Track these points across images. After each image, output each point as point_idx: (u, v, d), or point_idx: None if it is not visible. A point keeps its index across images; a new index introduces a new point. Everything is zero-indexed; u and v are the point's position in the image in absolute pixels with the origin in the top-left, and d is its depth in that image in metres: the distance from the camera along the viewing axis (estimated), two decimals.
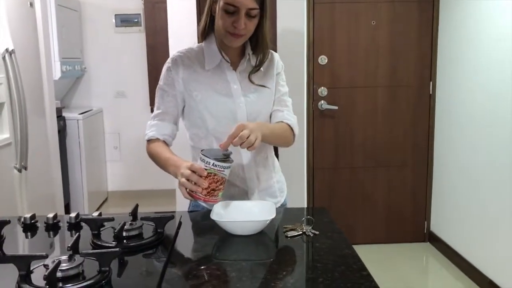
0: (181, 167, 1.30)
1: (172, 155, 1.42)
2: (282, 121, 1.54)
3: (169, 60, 1.51)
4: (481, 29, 2.85)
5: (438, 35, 3.39)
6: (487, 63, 2.79)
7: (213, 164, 1.25)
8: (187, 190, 1.27)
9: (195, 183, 1.25)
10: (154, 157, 1.48)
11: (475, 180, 2.95)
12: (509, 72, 2.57)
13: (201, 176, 1.24)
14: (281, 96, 1.58)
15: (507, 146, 2.60)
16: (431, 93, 3.47)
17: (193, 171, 1.25)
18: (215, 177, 1.26)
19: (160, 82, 1.52)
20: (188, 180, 1.25)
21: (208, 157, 1.25)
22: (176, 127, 1.55)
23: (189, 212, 1.54)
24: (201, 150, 1.30)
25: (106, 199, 4.85)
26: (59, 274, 0.93)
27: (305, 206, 3.29)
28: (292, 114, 1.58)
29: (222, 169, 1.27)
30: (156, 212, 1.36)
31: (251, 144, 1.28)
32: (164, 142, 1.51)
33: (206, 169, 1.25)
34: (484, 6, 2.81)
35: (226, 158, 1.28)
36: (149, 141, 1.51)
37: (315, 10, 3.34)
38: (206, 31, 1.49)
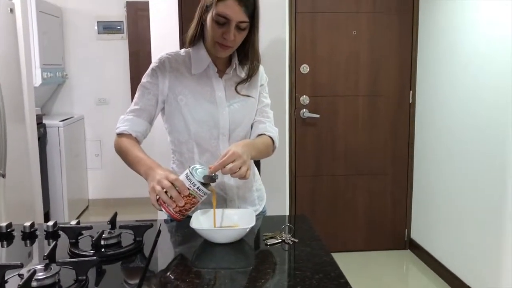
0: (156, 172, 1.28)
1: (145, 156, 1.39)
2: (264, 134, 1.55)
3: (156, 60, 1.51)
4: (459, 39, 2.91)
5: (418, 45, 3.45)
6: (465, 73, 2.85)
7: (197, 188, 1.24)
8: (158, 198, 1.25)
9: (171, 196, 1.23)
10: (123, 153, 1.44)
11: (454, 188, 2.99)
12: (487, 82, 2.63)
13: (180, 193, 1.23)
14: (264, 107, 1.60)
15: (486, 154, 2.65)
16: (410, 102, 3.52)
17: (174, 185, 1.23)
18: (194, 199, 1.26)
19: (143, 80, 1.51)
20: (164, 190, 1.24)
21: (195, 178, 1.24)
22: (150, 126, 1.53)
23: (169, 220, 1.53)
24: (190, 167, 1.27)
25: (87, 207, 4.79)
26: (34, 284, 0.92)
27: (287, 213, 3.30)
28: (273, 127, 1.60)
29: (203, 195, 1.26)
30: (136, 220, 1.36)
31: (242, 176, 1.28)
32: (136, 139, 1.48)
33: (188, 189, 1.24)
34: (462, 17, 2.88)
35: (212, 181, 1.26)
36: (120, 135, 1.48)
37: (297, 19, 3.38)
38: (195, 39, 1.50)
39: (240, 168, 1.28)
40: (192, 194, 1.24)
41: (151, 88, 1.49)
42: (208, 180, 1.26)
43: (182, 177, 1.26)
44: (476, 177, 2.74)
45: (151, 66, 1.51)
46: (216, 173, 1.29)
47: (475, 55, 2.73)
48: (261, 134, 1.55)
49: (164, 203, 1.25)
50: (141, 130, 1.49)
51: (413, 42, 3.47)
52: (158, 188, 1.24)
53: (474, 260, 2.78)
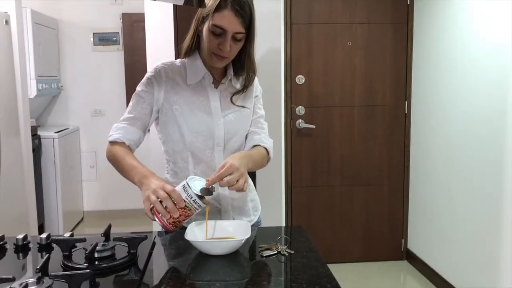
0: (151, 181, 1.28)
1: (139, 164, 1.39)
2: (259, 145, 1.55)
3: (152, 69, 1.51)
4: (454, 49, 2.93)
5: (413, 55, 3.47)
6: (461, 83, 2.86)
7: (193, 200, 1.23)
8: (152, 207, 1.24)
9: (166, 207, 1.23)
10: (116, 161, 1.43)
11: (452, 198, 2.99)
12: (483, 90, 2.64)
13: (175, 204, 1.22)
14: (258, 118, 1.61)
15: (483, 163, 2.65)
16: (406, 112, 3.53)
17: (169, 196, 1.22)
18: (188, 211, 1.25)
19: (138, 88, 1.50)
20: (159, 200, 1.23)
21: (192, 190, 1.22)
22: (144, 135, 1.52)
23: (164, 232, 1.52)
24: (187, 178, 1.26)
25: (82, 219, 4.76)
26: None
27: (283, 224, 3.28)
28: (268, 138, 1.60)
29: (198, 208, 1.25)
30: (132, 232, 1.35)
31: (240, 189, 1.28)
32: (129, 147, 1.47)
33: (185, 201, 1.23)
34: (457, 28, 2.90)
35: (209, 194, 1.25)
36: (112, 143, 1.47)
37: (292, 30, 3.39)
38: (191, 49, 1.50)
39: (237, 181, 1.28)
40: (187, 206, 1.23)
41: (146, 97, 1.48)
42: (205, 193, 1.25)
43: (179, 188, 1.25)
44: (473, 187, 2.74)
45: (147, 75, 1.51)
46: (213, 186, 1.28)
47: (471, 65, 2.75)
48: (256, 145, 1.55)
49: (159, 213, 1.24)
50: (135, 139, 1.49)
51: (408, 53, 3.49)
52: (153, 197, 1.23)
53: (472, 270, 2.76)
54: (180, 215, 1.23)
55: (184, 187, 1.24)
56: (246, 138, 1.58)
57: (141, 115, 1.48)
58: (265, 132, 1.61)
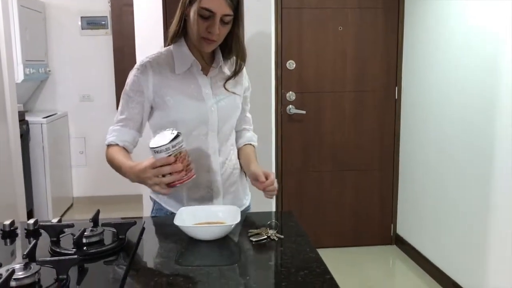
0: (139, 174, 1.27)
1: (126, 161, 1.37)
2: (250, 143, 1.65)
3: (137, 65, 1.48)
4: (445, 35, 2.93)
5: (403, 41, 3.47)
6: (451, 68, 2.86)
7: (172, 146, 1.22)
8: (166, 184, 1.25)
9: (170, 173, 1.23)
10: (111, 163, 1.45)
11: (441, 183, 3.01)
12: (473, 77, 2.64)
13: (170, 164, 1.22)
14: (247, 115, 1.68)
15: (473, 149, 2.67)
16: (396, 97, 3.54)
17: (160, 166, 1.22)
18: (181, 154, 1.24)
19: (126, 87, 1.48)
20: (158, 176, 1.23)
21: (163, 145, 1.22)
22: (139, 134, 1.52)
23: (153, 217, 1.51)
24: (150, 148, 1.24)
25: (71, 205, 4.74)
26: (13, 283, 0.90)
27: (274, 209, 3.29)
28: (254, 134, 1.71)
29: (181, 144, 1.25)
30: (121, 218, 1.34)
31: (275, 192, 1.45)
32: (124, 148, 1.47)
33: (170, 154, 1.22)
34: (448, 13, 2.89)
35: (176, 135, 1.24)
36: (109, 146, 1.48)
37: (282, 15, 3.36)
38: (178, 35, 1.48)
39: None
40: (176, 154, 1.23)
41: (135, 96, 1.46)
42: (171, 136, 1.24)
43: (155, 156, 1.24)
44: (462, 173, 2.76)
45: (133, 72, 1.48)
46: (173, 128, 1.28)
47: (462, 50, 2.75)
48: (246, 144, 1.64)
49: (170, 182, 1.24)
50: (129, 140, 1.48)
51: (398, 38, 3.48)
52: (154, 180, 1.23)
53: (460, 255, 2.80)
54: (181, 163, 1.24)
55: (157, 151, 1.22)
56: (239, 134, 1.65)
57: (132, 115, 1.47)
58: (252, 128, 1.71)
